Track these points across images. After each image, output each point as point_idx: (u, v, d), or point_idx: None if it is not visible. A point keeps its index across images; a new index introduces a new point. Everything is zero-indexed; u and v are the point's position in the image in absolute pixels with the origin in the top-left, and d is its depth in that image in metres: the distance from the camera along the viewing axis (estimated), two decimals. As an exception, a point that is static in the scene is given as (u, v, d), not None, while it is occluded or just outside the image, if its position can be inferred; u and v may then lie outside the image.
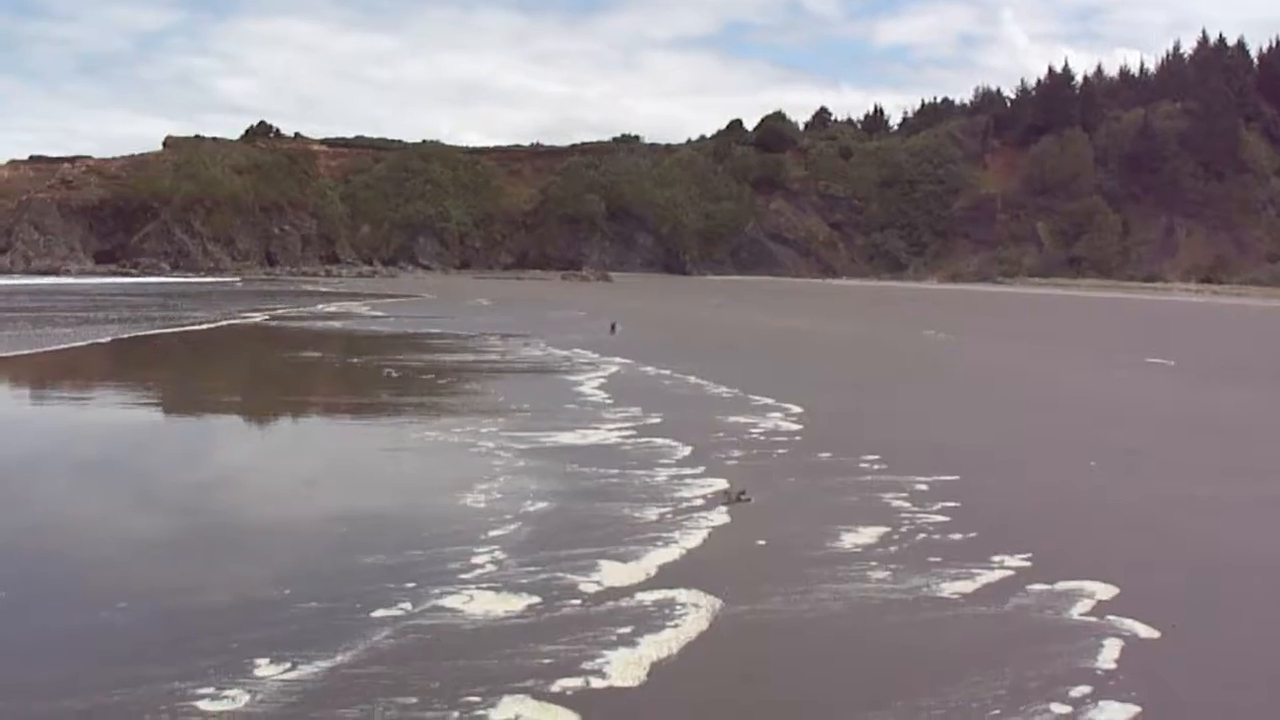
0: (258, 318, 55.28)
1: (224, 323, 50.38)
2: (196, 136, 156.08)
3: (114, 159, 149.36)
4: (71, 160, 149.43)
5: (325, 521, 14.20)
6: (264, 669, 8.99)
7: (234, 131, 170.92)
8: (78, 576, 11.85)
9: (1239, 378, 32.28)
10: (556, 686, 8.74)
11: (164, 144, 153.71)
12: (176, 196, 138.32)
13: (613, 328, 44.01)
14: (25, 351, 34.66)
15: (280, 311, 60.27)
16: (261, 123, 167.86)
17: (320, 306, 66.23)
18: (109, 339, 40.25)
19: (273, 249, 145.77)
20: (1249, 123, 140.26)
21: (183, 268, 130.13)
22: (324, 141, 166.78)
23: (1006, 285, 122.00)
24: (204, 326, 48.16)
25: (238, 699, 8.42)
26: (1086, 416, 24.00)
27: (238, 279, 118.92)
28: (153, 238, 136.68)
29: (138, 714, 8.09)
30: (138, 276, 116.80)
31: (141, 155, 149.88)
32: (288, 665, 9.08)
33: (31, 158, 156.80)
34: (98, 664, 9.15)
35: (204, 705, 8.28)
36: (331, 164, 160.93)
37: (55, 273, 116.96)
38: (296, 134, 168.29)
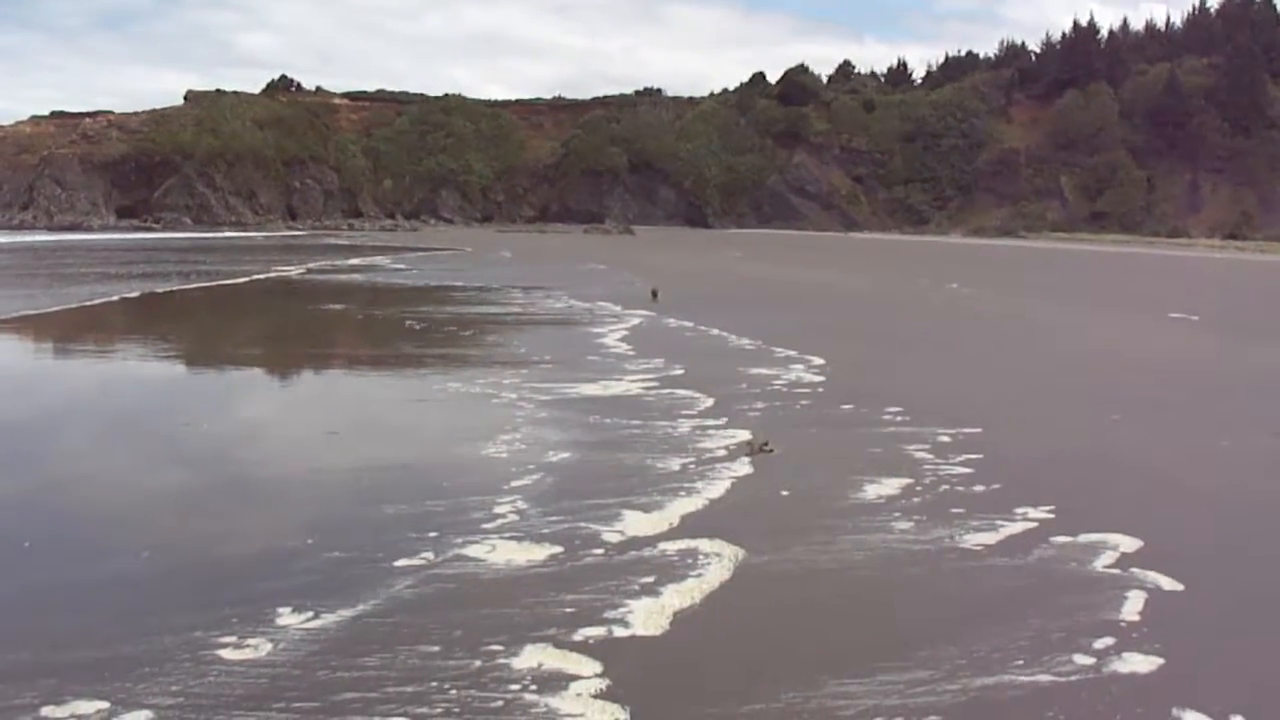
0: (281, 272, 55.33)
1: (247, 278, 50.41)
2: (217, 91, 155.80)
3: (135, 114, 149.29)
4: (93, 115, 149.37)
5: (348, 472, 14.22)
6: (286, 618, 9.03)
7: (255, 85, 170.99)
8: (101, 527, 11.90)
9: (1262, 333, 32.08)
10: (579, 635, 8.76)
11: (185, 98, 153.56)
12: (198, 151, 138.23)
13: (654, 294, 39.47)
14: (54, 308, 34.72)
15: (303, 265, 60.34)
16: (282, 76, 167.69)
17: (343, 260, 66.24)
18: (136, 294, 40.31)
19: (294, 203, 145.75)
20: (1276, 78, 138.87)
21: (204, 222, 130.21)
22: (345, 95, 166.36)
23: (1030, 240, 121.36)
24: (228, 281, 48.21)
25: (260, 648, 8.45)
26: (1109, 370, 23.89)
27: (260, 233, 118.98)
28: (174, 192, 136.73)
29: (160, 663, 8.13)
30: (160, 231, 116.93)
31: (162, 110, 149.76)
32: (310, 614, 9.11)
33: (53, 113, 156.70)
34: (120, 613, 9.21)
35: (226, 654, 8.32)
36: (353, 117, 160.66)
37: (78, 228, 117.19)
38: (318, 88, 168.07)
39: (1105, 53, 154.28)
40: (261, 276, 51.41)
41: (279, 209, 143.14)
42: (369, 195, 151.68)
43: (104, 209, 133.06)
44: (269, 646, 8.47)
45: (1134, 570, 10.40)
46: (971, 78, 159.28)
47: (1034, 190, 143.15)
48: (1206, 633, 9.11)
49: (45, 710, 7.37)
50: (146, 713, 7.35)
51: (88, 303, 36.35)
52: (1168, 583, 10.08)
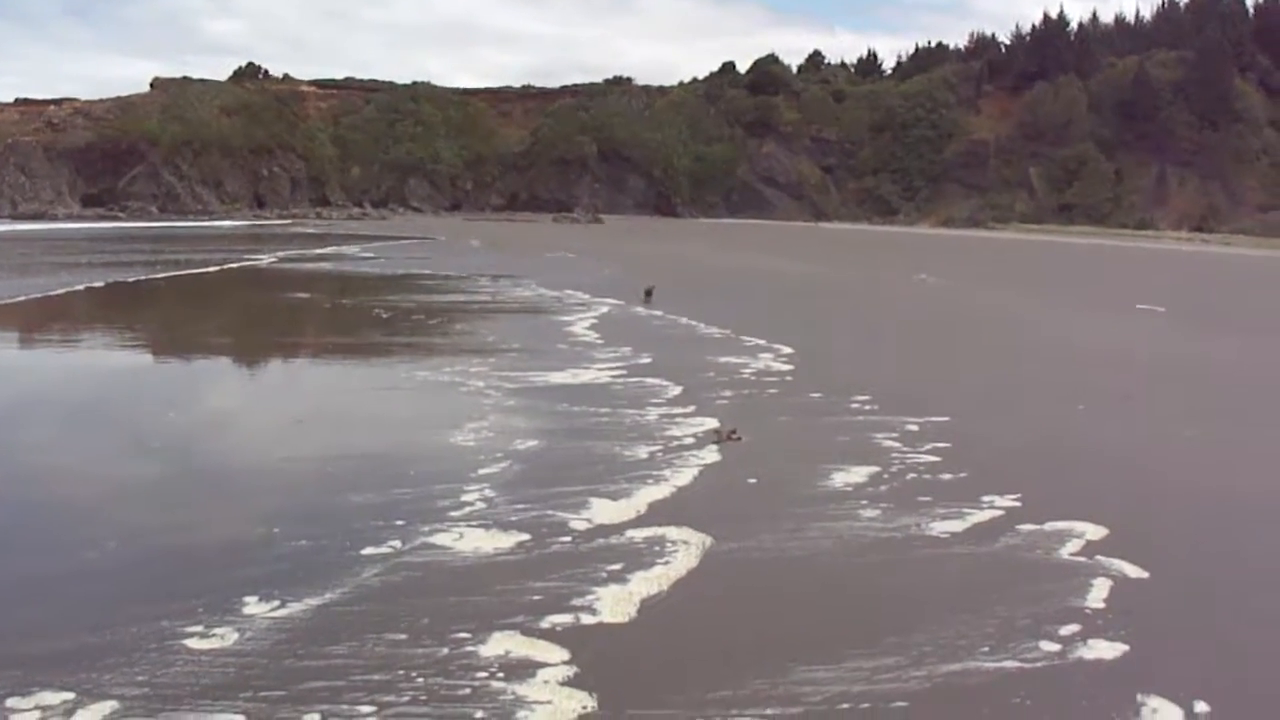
0: (249, 261, 54.96)
1: (215, 267, 50.09)
2: (184, 78, 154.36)
3: (100, 101, 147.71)
4: (57, 103, 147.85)
5: (315, 461, 14.16)
6: (252, 607, 8.99)
7: (222, 73, 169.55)
8: (66, 518, 11.79)
9: (1228, 325, 32.32)
10: (546, 623, 8.75)
11: (151, 85, 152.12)
12: (164, 139, 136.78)
13: (648, 294, 35.59)
14: (17, 299, 34.31)
15: (271, 254, 59.97)
16: (250, 64, 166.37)
17: (312, 249, 65.87)
18: (101, 284, 39.94)
19: (262, 191, 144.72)
20: (1244, 73, 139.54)
21: (171, 211, 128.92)
22: (313, 83, 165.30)
23: (998, 231, 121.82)
24: (196, 271, 47.85)
25: (226, 637, 8.42)
26: (1076, 361, 24.02)
27: (227, 222, 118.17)
28: (140, 180, 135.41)
29: (126, 653, 8.08)
30: (126, 220, 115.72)
31: (128, 97, 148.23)
32: (276, 603, 9.07)
33: (16, 100, 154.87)
34: (85, 604, 9.15)
35: (192, 644, 8.28)
36: (321, 105, 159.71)
37: (42, 217, 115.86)
38: (285, 75, 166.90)
39: (1074, 45, 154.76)
40: (229, 266, 51.09)
41: (246, 197, 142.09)
42: (337, 184, 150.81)
43: (69, 197, 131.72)
44: (235, 636, 8.43)
45: (1099, 558, 10.46)
46: (941, 69, 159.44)
47: (1002, 181, 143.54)
48: (1171, 619, 9.17)
49: (11, 701, 7.31)
50: (112, 703, 7.30)
51: (52, 293, 36.01)
52: (1133, 570, 10.14)
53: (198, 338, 27.31)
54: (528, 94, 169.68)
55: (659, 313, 31.32)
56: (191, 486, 13.10)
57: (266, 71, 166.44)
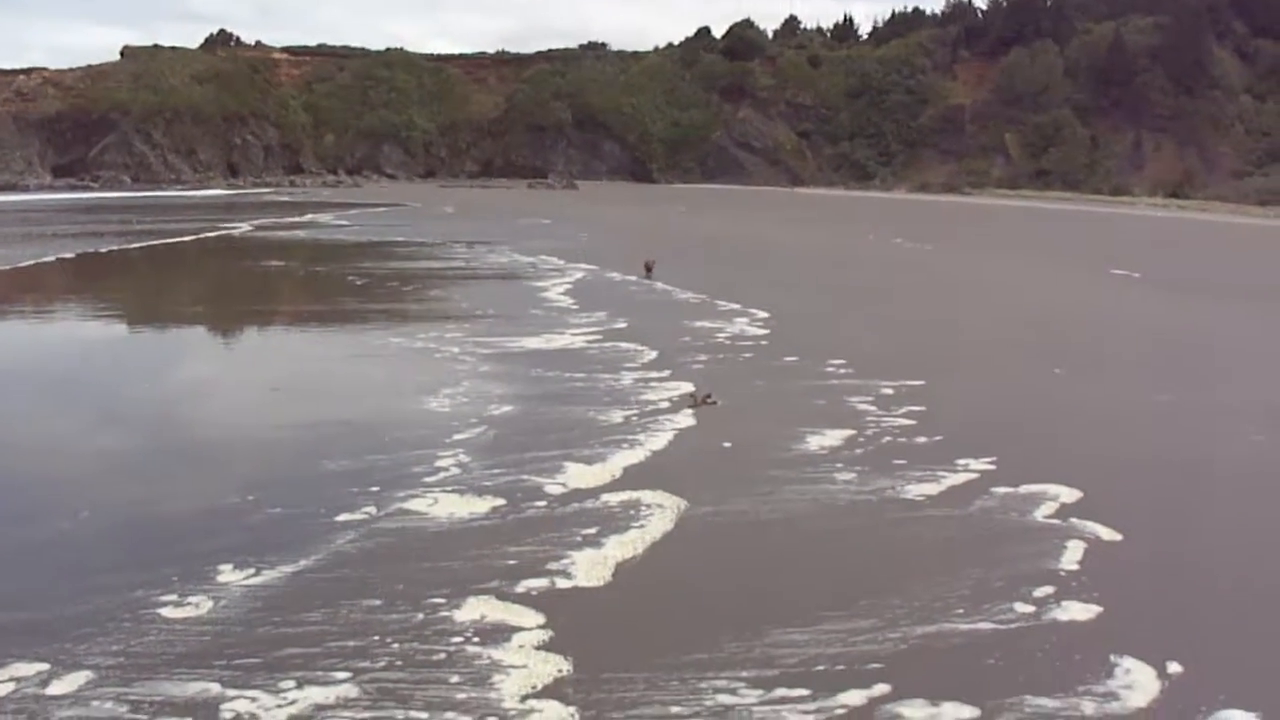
0: (224, 230, 54.54)
1: (189, 237, 49.68)
2: (154, 46, 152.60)
3: (70, 70, 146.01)
4: (26, 72, 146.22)
5: (289, 429, 14.14)
6: (227, 575, 8.98)
7: (193, 40, 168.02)
8: (39, 488, 11.78)
9: (1202, 290, 32.38)
10: (521, 587, 8.75)
11: (121, 54, 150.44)
12: (135, 107, 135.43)
13: (648, 268, 32.46)
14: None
15: (246, 223, 59.53)
16: (221, 31, 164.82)
17: (286, 217, 65.47)
18: (72, 255, 39.54)
19: (235, 159, 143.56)
20: (1220, 39, 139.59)
21: (143, 180, 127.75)
22: (286, 50, 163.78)
23: (974, 196, 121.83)
24: (170, 241, 47.47)
25: (200, 605, 8.40)
26: (1051, 325, 24.07)
27: (200, 191, 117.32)
28: (112, 150, 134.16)
29: (100, 623, 8.06)
30: (98, 190, 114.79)
31: (99, 66, 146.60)
32: (251, 571, 9.06)
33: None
34: (59, 574, 9.13)
35: (167, 612, 8.26)
36: (294, 72, 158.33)
37: (13, 188, 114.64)
38: (257, 42, 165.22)
39: (1051, 11, 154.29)
40: (205, 235, 50.69)
41: (219, 166, 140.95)
42: (310, 151, 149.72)
43: (40, 168, 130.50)
44: (210, 604, 8.42)
45: (1073, 520, 10.50)
46: (918, 34, 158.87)
47: (979, 147, 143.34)
48: (1144, 581, 9.21)
49: (-16, 672, 7.28)
50: (87, 673, 7.28)
51: (21, 265, 35.67)
52: (1106, 533, 10.18)
53: (172, 307, 27.18)
54: (502, 60, 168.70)
55: (633, 277, 31.27)
56: (165, 456, 13.05)
57: (238, 39, 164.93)
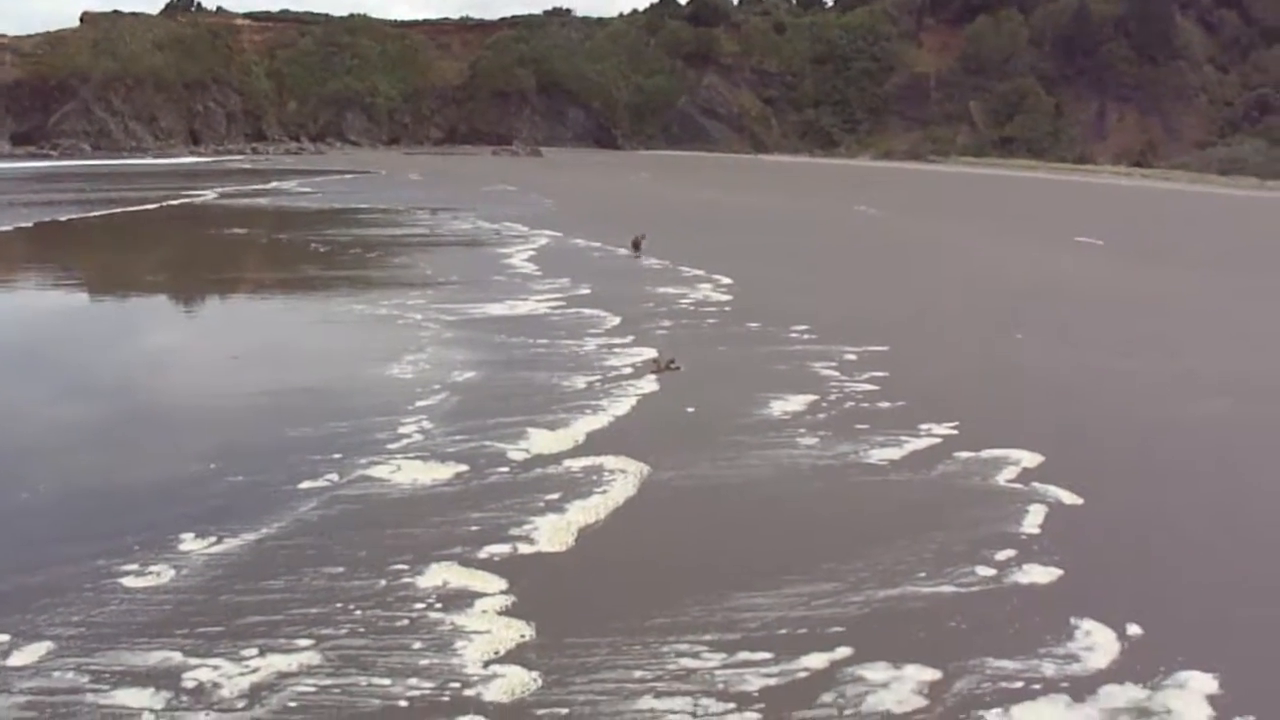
0: (185, 198, 54.03)
1: (150, 205, 49.21)
2: (114, 12, 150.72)
3: (29, 36, 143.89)
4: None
5: (252, 397, 14.04)
6: (189, 544, 8.92)
7: (153, 6, 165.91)
8: (-2, 459, 11.68)
9: (1164, 258, 32.55)
10: (484, 553, 8.73)
11: (81, 20, 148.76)
12: (95, 74, 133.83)
13: (635, 245, 30.05)
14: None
15: (208, 191, 59.01)
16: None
17: (249, 185, 64.87)
18: (30, 224, 39.11)
19: (197, 127, 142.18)
20: (1184, 9, 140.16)
21: (104, 148, 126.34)
22: (247, 15, 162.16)
23: (938, 164, 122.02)
24: (130, 209, 47.02)
25: (162, 574, 8.34)
26: (1015, 291, 24.15)
27: (162, 159, 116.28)
28: (72, 118, 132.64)
29: (60, 593, 7.99)
30: (59, 159, 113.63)
31: (58, 32, 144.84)
32: (213, 539, 9.00)
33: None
34: (19, 545, 9.06)
35: (128, 582, 8.20)
36: (256, 39, 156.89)
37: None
38: (219, 8, 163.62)
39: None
40: (165, 203, 50.18)
41: (181, 133, 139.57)
42: (273, 118, 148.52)
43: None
44: (171, 573, 8.36)
45: (1035, 484, 10.56)
46: (883, 1, 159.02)
47: (943, 115, 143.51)
48: (1104, 545, 9.27)
49: (-58, 644, 7.22)
50: (47, 644, 7.22)
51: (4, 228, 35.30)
52: (1068, 497, 10.24)
53: (133, 276, 26.96)
54: (466, 26, 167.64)
55: (598, 244, 31.22)
56: (127, 425, 12.95)
57: (199, 4, 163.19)
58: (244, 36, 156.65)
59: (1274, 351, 18.27)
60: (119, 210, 45.36)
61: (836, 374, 15.14)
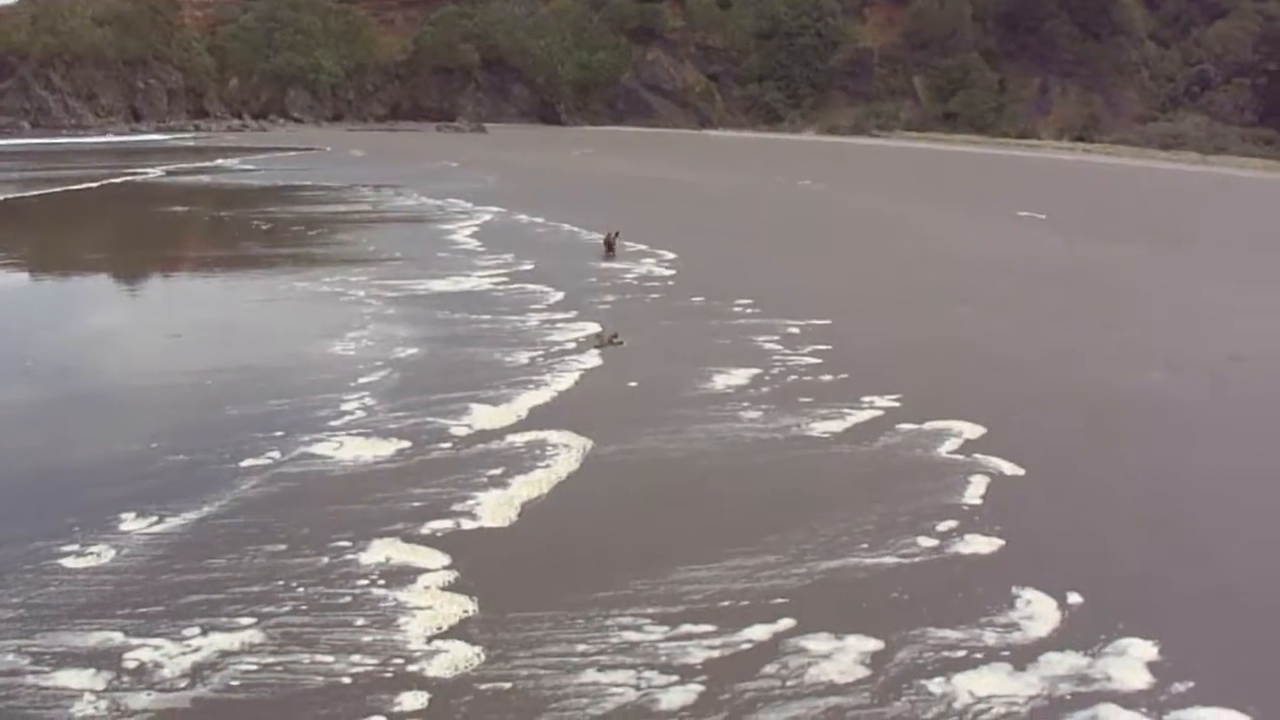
0: (126, 176, 53.39)
1: (90, 183, 48.60)
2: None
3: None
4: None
5: (192, 375, 13.90)
6: (129, 524, 8.87)
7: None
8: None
9: (1106, 233, 32.76)
10: (427, 529, 8.73)
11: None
12: (34, 51, 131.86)
13: (608, 244, 25.32)
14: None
15: (149, 169, 58.32)
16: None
17: (190, 163, 64.16)
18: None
19: (138, 104, 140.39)
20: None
21: (44, 126, 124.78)
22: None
23: (882, 139, 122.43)
24: (71, 188, 46.39)
25: (103, 555, 8.30)
26: (958, 265, 24.26)
27: (103, 137, 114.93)
28: (10, 95, 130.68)
29: (0, 574, 7.94)
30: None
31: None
32: (154, 519, 8.96)
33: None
34: (-46, 526, 8.94)
35: (68, 563, 8.16)
36: (197, 14, 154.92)
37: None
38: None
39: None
40: (106, 182, 49.56)
41: (122, 110, 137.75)
42: (215, 95, 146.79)
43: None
44: (112, 553, 8.32)
45: (977, 456, 10.65)
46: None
47: (888, 90, 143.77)
48: (1045, 515, 9.36)
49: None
50: (-13, 625, 7.17)
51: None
52: (1009, 468, 10.34)
53: (73, 255, 26.61)
54: (409, 1, 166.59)
55: (540, 219, 31.10)
56: (65, 405, 12.80)
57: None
58: (185, 12, 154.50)
59: (1210, 324, 18.47)
60: (59, 189, 44.78)
61: (779, 348, 15.18)
